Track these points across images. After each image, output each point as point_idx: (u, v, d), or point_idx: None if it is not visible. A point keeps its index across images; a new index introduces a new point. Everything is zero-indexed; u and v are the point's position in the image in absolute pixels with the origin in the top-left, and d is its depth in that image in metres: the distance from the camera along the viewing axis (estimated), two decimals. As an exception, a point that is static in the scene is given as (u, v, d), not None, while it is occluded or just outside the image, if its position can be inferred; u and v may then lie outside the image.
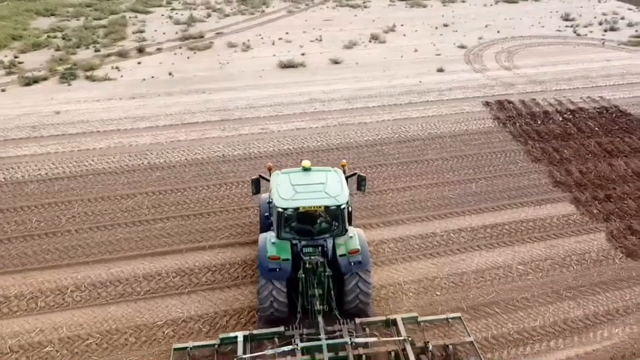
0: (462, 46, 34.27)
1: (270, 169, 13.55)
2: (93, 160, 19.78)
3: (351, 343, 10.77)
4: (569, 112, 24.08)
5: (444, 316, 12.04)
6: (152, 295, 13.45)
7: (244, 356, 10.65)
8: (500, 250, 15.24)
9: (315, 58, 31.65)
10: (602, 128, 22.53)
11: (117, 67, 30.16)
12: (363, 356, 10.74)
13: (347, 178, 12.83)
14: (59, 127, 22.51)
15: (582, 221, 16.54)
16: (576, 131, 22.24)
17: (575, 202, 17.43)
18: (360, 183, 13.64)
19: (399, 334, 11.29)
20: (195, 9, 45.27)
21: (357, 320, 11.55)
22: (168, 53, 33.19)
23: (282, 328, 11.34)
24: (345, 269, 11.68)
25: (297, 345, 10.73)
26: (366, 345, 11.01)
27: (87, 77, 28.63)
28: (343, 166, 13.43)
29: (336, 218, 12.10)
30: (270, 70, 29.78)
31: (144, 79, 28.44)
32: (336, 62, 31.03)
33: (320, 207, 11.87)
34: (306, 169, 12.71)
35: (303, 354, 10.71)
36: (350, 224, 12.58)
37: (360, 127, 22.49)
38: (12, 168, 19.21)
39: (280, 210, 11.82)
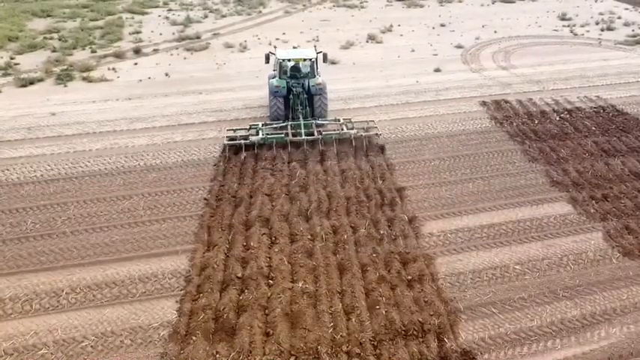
0: (458, 46, 34.29)
1: (275, 47, 23.39)
2: (89, 162, 19.70)
3: (315, 123, 21.05)
4: (566, 112, 24.07)
5: (366, 119, 21.67)
6: (148, 297, 13.35)
7: (262, 128, 20.61)
8: (497, 250, 15.19)
9: (312, 59, 31.56)
10: (599, 128, 22.51)
11: (113, 68, 30.11)
12: (321, 129, 20.80)
13: (317, 53, 22.16)
14: (55, 129, 22.45)
15: (579, 221, 16.49)
16: (573, 131, 22.22)
17: (573, 202, 17.37)
18: (324, 57, 22.72)
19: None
20: (192, 10, 45.26)
21: (320, 119, 21.71)
22: (165, 54, 33.17)
23: (281, 121, 21.26)
24: (313, 92, 21.67)
25: (288, 123, 20.85)
26: (324, 126, 21.52)
27: (83, 78, 28.55)
28: (315, 47, 22.58)
29: (310, 68, 21.85)
30: (266, 70, 29.64)
31: (140, 80, 28.39)
32: (333, 62, 30.92)
33: (301, 58, 21.87)
34: (295, 47, 22.05)
35: (291, 128, 20.53)
36: (318, 75, 21.90)
37: (356, 128, 22.47)
38: (7, 169, 19.12)
39: (281, 61, 21.73)
